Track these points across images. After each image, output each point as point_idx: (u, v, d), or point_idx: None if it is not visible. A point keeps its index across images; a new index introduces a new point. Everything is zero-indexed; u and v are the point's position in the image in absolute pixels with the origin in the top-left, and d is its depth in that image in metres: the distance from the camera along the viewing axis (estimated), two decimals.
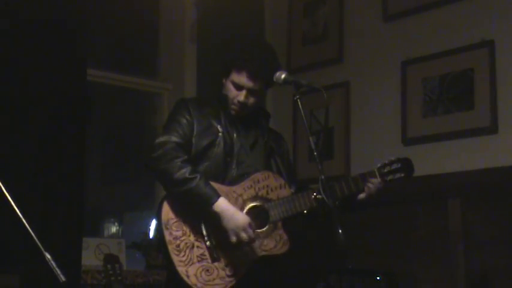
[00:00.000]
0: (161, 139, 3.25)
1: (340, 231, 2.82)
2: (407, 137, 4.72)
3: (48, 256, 2.39)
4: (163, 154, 3.19)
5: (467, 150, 4.42)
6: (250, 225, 3.15)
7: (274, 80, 3.24)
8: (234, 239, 3.14)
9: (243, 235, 3.13)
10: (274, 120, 5.12)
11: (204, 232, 3.19)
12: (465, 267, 4.33)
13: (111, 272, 4.08)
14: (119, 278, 4.09)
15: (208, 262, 3.16)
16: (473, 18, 4.48)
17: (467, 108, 4.46)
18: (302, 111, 3.12)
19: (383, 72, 4.93)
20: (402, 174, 3.38)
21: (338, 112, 5.14)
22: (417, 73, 4.72)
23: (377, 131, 4.91)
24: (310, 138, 3.10)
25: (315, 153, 3.03)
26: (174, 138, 3.24)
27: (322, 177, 3.00)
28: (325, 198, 3.01)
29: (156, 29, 5.50)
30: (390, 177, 3.36)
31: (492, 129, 4.32)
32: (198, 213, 3.18)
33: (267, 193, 3.28)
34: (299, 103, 3.12)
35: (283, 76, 3.21)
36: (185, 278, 3.12)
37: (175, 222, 3.19)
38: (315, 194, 3.21)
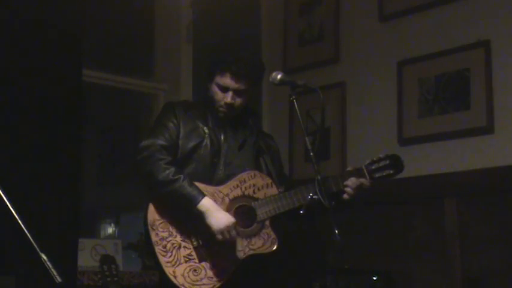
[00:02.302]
0: (146, 142, 3.27)
1: (336, 231, 2.82)
2: (404, 137, 4.72)
3: (44, 257, 2.38)
4: (148, 156, 3.22)
5: (464, 150, 4.42)
6: (233, 225, 3.15)
7: (270, 80, 3.24)
8: (219, 237, 3.15)
9: (226, 235, 3.14)
10: (271, 120, 5.13)
11: (191, 232, 3.20)
12: (461, 266, 4.34)
13: (107, 273, 4.07)
14: (115, 278, 4.08)
15: (195, 262, 3.17)
16: (469, 18, 4.49)
17: (463, 108, 4.46)
18: (298, 112, 3.12)
19: (379, 73, 4.93)
20: (391, 171, 3.37)
21: (334, 112, 5.14)
22: (413, 73, 4.72)
23: (373, 131, 4.91)
24: (307, 139, 3.10)
25: (311, 154, 3.04)
26: (159, 141, 3.27)
27: (319, 177, 3.01)
28: (321, 198, 3.02)
29: (152, 30, 5.49)
30: (378, 174, 3.35)
31: (488, 129, 4.32)
32: (183, 213, 3.19)
33: (254, 192, 3.29)
34: (295, 103, 3.13)
35: (279, 76, 3.21)
36: (172, 279, 3.13)
37: (162, 223, 3.21)
38: (311, 194, 3.20)
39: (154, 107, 5.44)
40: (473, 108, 4.41)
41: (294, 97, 3.14)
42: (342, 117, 5.12)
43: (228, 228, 3.13)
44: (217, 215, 3.14)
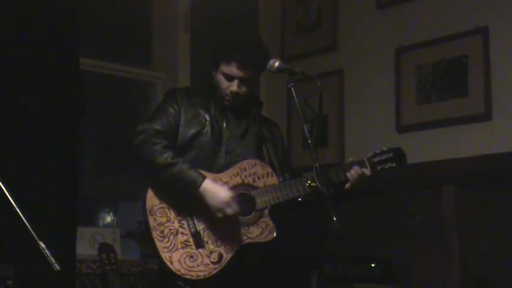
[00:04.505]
0: (142, 126, 3.27)
1: (334, 218, 2.82)
2: (402, 125, 4.72)
3: (42, 245, 2.39)
4: (144, 141, 3.21)
5: (462, 137, 4.42)
6: (233, 198, 3.15)
7: (268, 68, 3.23)
8: (219, 215, 3.14)
9: (228, 210, 3.14)
10: (269, 108, 5.12)
11: (189, 218, 3.20)
12: (459, 253, 4.35)
13: (106, 261, 4.10)
14: (114, 267, 4.11)
15: (192, 248, 3.17)
16: (467, 4, 4.48)
17: (461, 95, 4.46)
18: (296, 99, 3.12)
19: (377, 60, 4.93)
20: (394, 164, 3.36)
21: (332, 100, 5.14)
22: (411, 60, 4.72)
23: (371, 119, 4.91)
24: (304, 126, 3.10)
25: (309, 141, 3.03)
26: (155, 126, 3.25)
27: (317, 165, 3.01)
28: (319, 186, 3.02)
29: (150, 18, 5.48)
30: (381, 167, 3.35)
31: (486, 116, 4.32)
32: (182, 198, 3.19)
33: (254, 181, 3.29)
34: (293, 91, 3.11)
35: (277, 64, 3.20)
36: (168, 264, 3.14)
37: (160, 208, 3.21)
38: (309, 181, 3.21)
39: (152, 95, 5.43)
40: (471, 95, 4.41)
41: (291, 85, 3.13)
42: (339, 104, 5.11)
43: (226, 203, 3.13)
44: (216, 193, 3.14)
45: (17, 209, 2.43)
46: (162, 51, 5.43)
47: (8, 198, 2.43)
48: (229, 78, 3.30)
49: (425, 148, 4.54)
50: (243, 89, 3.32)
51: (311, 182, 3.18)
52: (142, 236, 4.78)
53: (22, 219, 2.42)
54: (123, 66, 5.29)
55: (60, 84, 4.09)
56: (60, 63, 4.10)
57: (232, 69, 3.28)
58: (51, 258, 2.37)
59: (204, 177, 3.15)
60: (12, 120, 3.86)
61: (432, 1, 4.67)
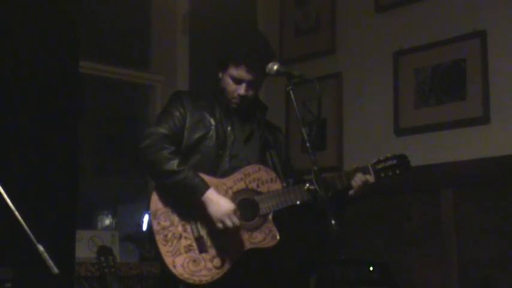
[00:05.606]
0: (149, 130, 3.25)
1: (333, 222, 2.82)
2: (400, 128, 4.73)
3: (41, 248, 2.39)
4: (150, 145, 3.19)
5: (460, 140, 4.43)
6: (235, 211, 3.14)
7: (267, 71, 3.23)
8: (220, 225, 3.13)
9: (228, 222, 3.13)
10: (267, 111, 5.12)
11: (192, 223, 3.19)
12: (457, 256, 4.35)
13: (104, 264, 4.10)
14: (113, 270, 4.11)
15: (195, 253, 3.16)
16: (466, 8, 4.49)
17: (459, 99, 4.47)
18: (294, 102, 3.12)
19: (375, 63, 4.94)
20: (397, 171, 3.37)
21: (330, 103, 5.14)
22: (409, 64, 4.73)
23: (369, 122, 4.92)
24: (303, 129, 3.10)
25: (308, 144, 3.03)
26: (162, 130, 3.23)
27: (315, 168, 3.01)
28: (317, 189, 3.02)
29: (148, 21, 5.48)
30: (384, 173, 3.34)
31: (484, 119, 4.33)
32: (186, 203, 3.19)
33: (258, 186, 3.28)
34: (291, 94, 3.12)
35: (275, 67, 3.20)
36: (172, 268, 3.13)
37: (164, 212, 3.19)
38: (307, 185, 3.20)
39: (151, 98, 5.44)
40: (469, 98, 4.42)
41: (290, 88, 3.13)
42: (338, 107, 5.12)
43: (227, 215, 3.12)
44: (218, 203, 3.12)
45: (16, 212, 2.43)
46: (161, 54, 5.43)
47: (6, 201, 2.44)
48: (238, 81, 3.28)
49: (423, 151, 4.54)
50: (251, 92, 3.31)
51: (310, 186, 3.17)
52: (141, 238, 4.79)
53: (21, 222, 2.42)
54: (122, 69, 5.30)
55: (59, 86, 4.09)
56: (60, 66, 4.11)
57: (241, 73, 3.26)
58: (49, 261, 2.37)
59: (207, 187, 3.14)
60: (11, 123, 3.86)
61: (430, 5, 4.67)
